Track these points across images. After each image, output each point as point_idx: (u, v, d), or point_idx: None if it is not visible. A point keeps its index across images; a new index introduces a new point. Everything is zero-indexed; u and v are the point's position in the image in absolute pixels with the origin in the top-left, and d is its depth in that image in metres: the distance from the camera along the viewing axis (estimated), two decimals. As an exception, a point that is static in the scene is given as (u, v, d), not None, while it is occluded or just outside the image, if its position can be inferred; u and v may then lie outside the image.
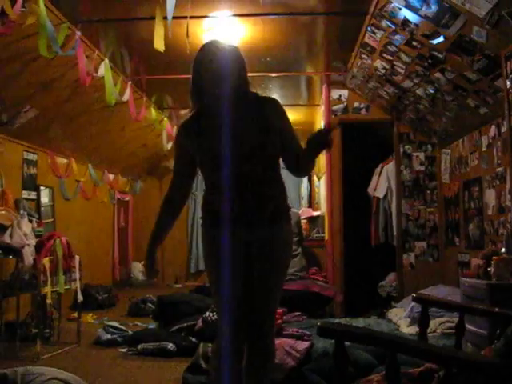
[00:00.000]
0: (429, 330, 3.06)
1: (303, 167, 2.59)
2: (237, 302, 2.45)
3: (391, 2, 3.85)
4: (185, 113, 2.45)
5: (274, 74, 6.15)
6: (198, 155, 2.48)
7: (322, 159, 7.03)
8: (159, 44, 4.00)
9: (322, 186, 7.45)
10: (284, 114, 2.53)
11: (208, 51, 2.43)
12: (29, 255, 4.59)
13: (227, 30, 4.73)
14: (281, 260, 2.53)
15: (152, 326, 5.49)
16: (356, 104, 6.42)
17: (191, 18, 4.15)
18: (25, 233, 4.68)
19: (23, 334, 4.76)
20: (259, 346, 2.53)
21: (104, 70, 4.85)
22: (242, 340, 2.49)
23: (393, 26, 4.15)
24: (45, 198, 6.56)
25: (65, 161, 7.00)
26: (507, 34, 3.26)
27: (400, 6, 3.81)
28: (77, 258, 5.07)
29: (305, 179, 9.41)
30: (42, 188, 6.42)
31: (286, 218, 2.53)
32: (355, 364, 3.25)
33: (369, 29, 4.47)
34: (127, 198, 9.81)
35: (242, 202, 2.40)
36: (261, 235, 2.45)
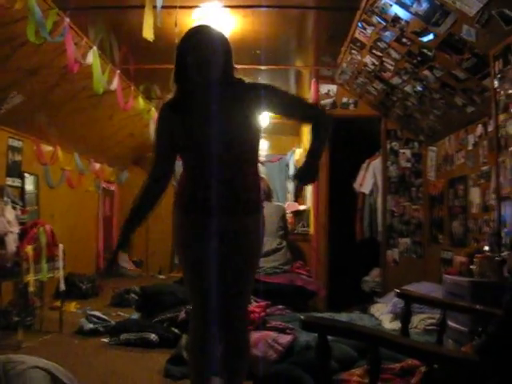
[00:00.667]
0: (411, 326, 3.09)
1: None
2: (210, 290, 2.46)
3: (382, -2, 3.85)
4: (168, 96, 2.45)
5: (263, 67, 6.14)
6: (179, 138, 2.45)
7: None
8: (148, 33, 3.97)
9: (308, 181, 7.44)
10: (271, 90, 2.49)
11: (194, 35, 2.40)
12: (12, 243, 4.56)
13: (217, 21, 4.70)
14: (254, 249, 2.57)
15: (135, 316, 5.48)
16: (344, 99, 6.42)
17: (181, 7, 4.13)
18: (8, 220, 4.64)
19: (5, 322, 4.74)
20: (233, 336, 2.57)
21: (92, 57, 4.81)
22: (215, 327, 2.51)
23: (383, 23, 4.15)
24: (29, 186, 6.50)
25: (50, 148, 6.94)
26: (496, 33, 3.27)
27: (391, 3, 3.81)
28: (60, 246, 5.04)
29: (290, 172, 9.40)
30: (26, 175, 6.36)
31: (259, 210, 2.55)
32: (337, 358, 3.27)
33: (359, 24, 4.47)
34: (113, 188, 9.76)
35: (220, 190, 2.40)
36: (236, 225, 2.47)
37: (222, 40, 2.43)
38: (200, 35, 2.39)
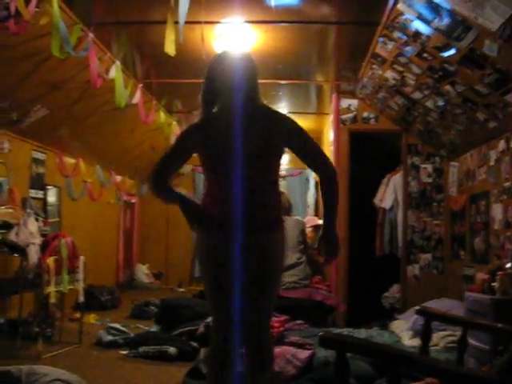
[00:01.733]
0: (431, 344, 3.05)
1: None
2: (232, 306, 2.49)
3: (403, 14, 3.85)
4: (196, 113, 2.63)
5: (283, 82, 6.16)
6: (204, 158, 2.56)
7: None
8: (170, 48, 4.01)
9: (328, 195, 7.42)
10: (298, 131, 2.58)
11: (220, 62, 2.51)
12: (34, 254, 4.60)
13: (239, 37, 4.75)
14: (276, 265, 2.60)
15: (154, 329, 5.49)
16: (365, 114, 6.41)
17: (204, 23, 4.16)
18: (31, 231, 4.69)
19: (25, 333, 4.77)
20: (257, 351, 2.58)
21: (115, 72, 4.87)
22: (236, 345, 2.53)
23: (404, 38, 4.15)
24: (52, 198, 6.58)
25: (73, 161, 7.03)
26: (519, 49, 3.25)
27: (412, 18, 3.81)
28: (81, 258, 5.08)
29: (311, 187, 9.40)
30: (49, 187, 6.45)
31: (279, 226, 2.60)
32: (356, 375, 3.24)
33: (380, 39, 4.47)
34: (134, 200, 9.83)
35: (241, 208, 2.46)
36: (257, 241, 2.51)
37: (250, 66, 2.53)
38: (228, 61, 2.50)
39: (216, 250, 2.51)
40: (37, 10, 3.57)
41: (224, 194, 2.49)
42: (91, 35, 4.43)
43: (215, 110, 2.55)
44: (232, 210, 2.46)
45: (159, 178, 2.62)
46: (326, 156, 2.64)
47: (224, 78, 2.47)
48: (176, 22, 3.78)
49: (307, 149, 2.61)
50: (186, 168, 9.82)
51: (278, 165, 2.61)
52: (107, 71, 4.83)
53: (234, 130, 2.48)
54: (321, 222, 7.43)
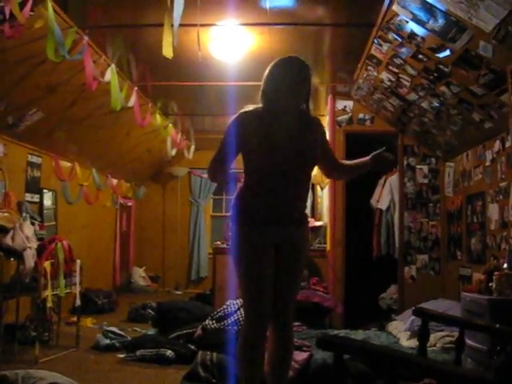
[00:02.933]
0: (428, 344, 3.05)
1: (342, 175, 3.30)
2: (269, 296, 2.70)
3: (398, 15, 3.86)
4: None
5: (279, 84, 6.14)
6: (250, 147, 2.70)
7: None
8: (168, 51, 4.00)
9: (324, 197, 7.44)
10: (325, 132, 2.98)
11: (291, 65, 2.80)
12: (30, 258, 4.59)
13: (234, 39, 4.75)
14: (304, 256, 2.88)
15: (151, 332, 5.48)
16: (361, 115, 6.42)
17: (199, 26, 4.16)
18: (26, 235, 4.68)
19: (22, 337, 4.76)
20: (287, 332, 2.80)
21: (110, 75, 4.86)
22: (265, 327, 2.73)
23: (399, 39, 4.16)
24: (48, 201, 6.56)
25: (69, 164, 7.01)
26: (513, 49, 3.26)
27: (407, 19, 3.82)
28: (78, 261, 5.06)
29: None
30: (45, 191, 6.43)
31: (307, 220, 2.90)
32: (354, 376, 3.24)
33: (375, 41, 4.48)
34: (130, 203, 9.81)
35: (282, 201, 2.69)
36: (291, 234, 2.76)
37: (309, 76, 2.83)
38: (296, 66, 2.79)
39: (260, 241, 2.68)
40: (31, 13, 3.56)
41: (268, 189, 2.68)
42: (86, 38, 4.43)
43: (272, 107, 2.73)
44: (276, 204, 2.68)
45: (217, 166, 2.77)
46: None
47: (285, 82, 2.71)
48: (172, 25, 3.77)
49: (328, 149, 2.98)
50: (182, 171, 9.82)
51: (314, 164, 2.88)
52: (102, 74, 4.83)
53: (287, 130, 2.71)
54: (317, 223, 7.46)
